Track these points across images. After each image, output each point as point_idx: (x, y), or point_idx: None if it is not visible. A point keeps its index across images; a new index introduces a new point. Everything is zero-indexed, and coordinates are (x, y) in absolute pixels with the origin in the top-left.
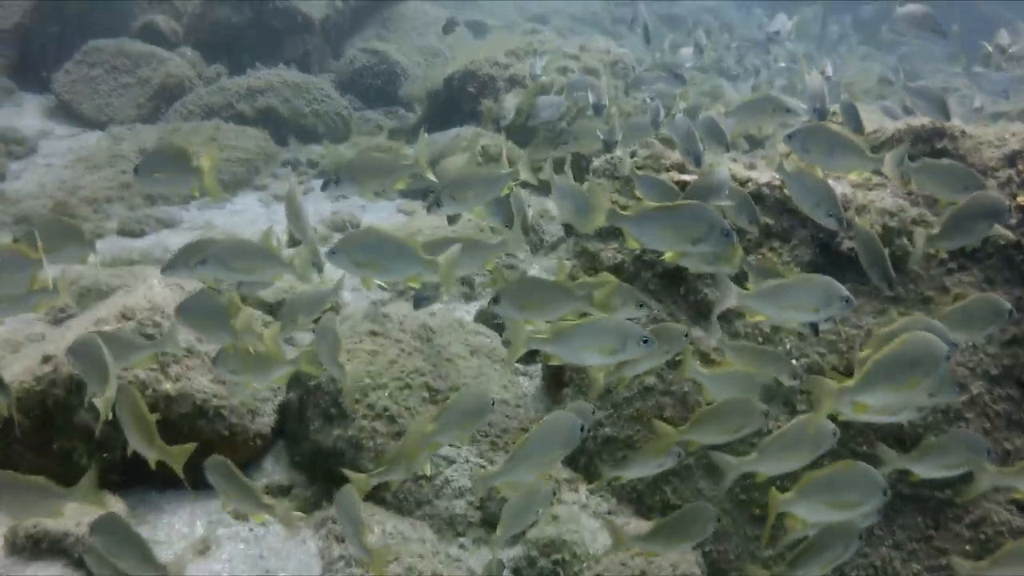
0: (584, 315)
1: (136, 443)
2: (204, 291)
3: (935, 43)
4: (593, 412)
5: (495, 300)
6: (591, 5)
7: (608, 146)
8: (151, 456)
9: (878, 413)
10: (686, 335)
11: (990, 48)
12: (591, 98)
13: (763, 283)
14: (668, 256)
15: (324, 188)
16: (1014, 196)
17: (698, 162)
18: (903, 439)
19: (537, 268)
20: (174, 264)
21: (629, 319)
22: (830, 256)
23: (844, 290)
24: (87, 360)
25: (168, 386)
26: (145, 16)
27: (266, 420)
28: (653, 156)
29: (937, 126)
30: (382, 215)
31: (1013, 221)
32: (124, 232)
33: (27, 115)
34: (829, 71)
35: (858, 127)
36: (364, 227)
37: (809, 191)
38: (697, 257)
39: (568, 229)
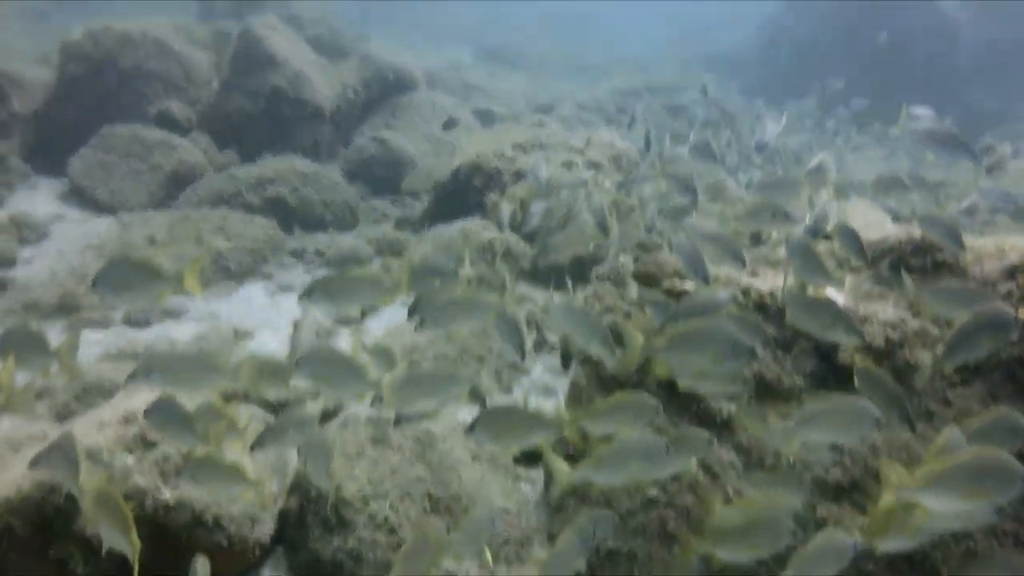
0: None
1: (110, 538)
2: (166, 398)
3: (960, 159)
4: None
5: (471, 428)
6: (596, 93)
7: (604, 251)
8: (127, 551)
9: (937, 519)
10: (710, 441)
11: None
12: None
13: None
14: (684, 384)
15: (300, 300)
16: (1015, 310)
17: (706, 281)
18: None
19: (541, 367)
20: (135, 376)
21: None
22: (832, 367)
23: (877, 411)
24: (58, 461)
25: (167, 494)
26: (161, 103)
27: (266, 528)
28: (656, 263)
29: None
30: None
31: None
32: (129, 322)
33: (41, 199)
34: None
35: (859, 250)
36: (320, 346)
37: (817, 314)
38: (715, 379)
39: (567, 354)
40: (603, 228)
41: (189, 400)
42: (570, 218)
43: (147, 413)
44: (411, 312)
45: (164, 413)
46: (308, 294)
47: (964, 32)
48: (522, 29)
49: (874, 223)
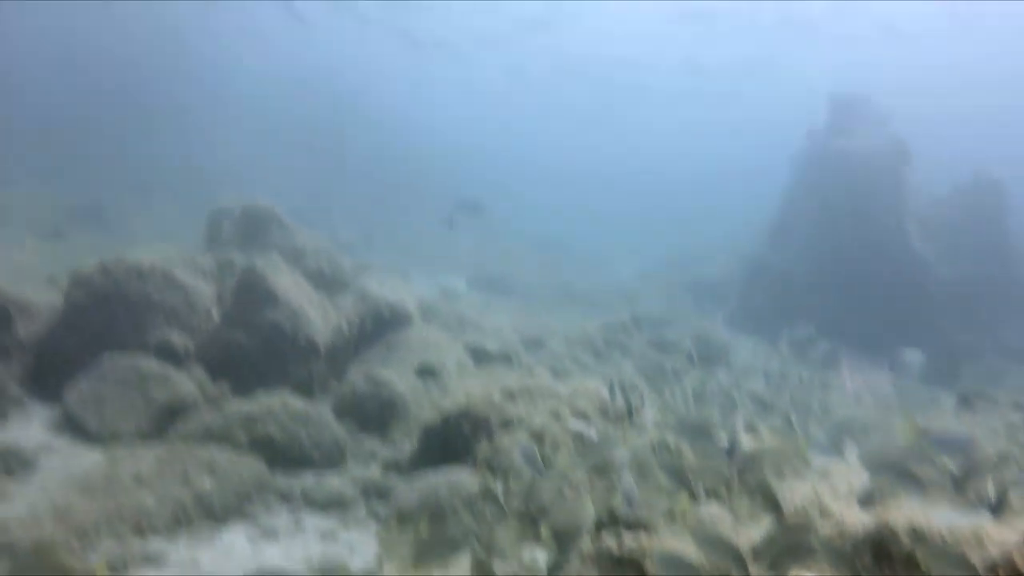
0: None
1: None
2: None
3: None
4: None
5: None
6: (586, 328)
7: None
8: None
9: None
10: None
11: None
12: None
13: None
14: None
15: None
16: None
17: None
18: None
19: None
20: None
21: None
22: None
23: None
24: None
25: None
26: (162, 333)
27: None
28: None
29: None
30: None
31: None
32: (108, 568)
33: (34, 427)
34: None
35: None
36: None
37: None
38: None
39: None
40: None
41: None
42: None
43: None
44: None
45: None
46: None
47: (934, 269)
48: (519, 258)
49: (844, 495)
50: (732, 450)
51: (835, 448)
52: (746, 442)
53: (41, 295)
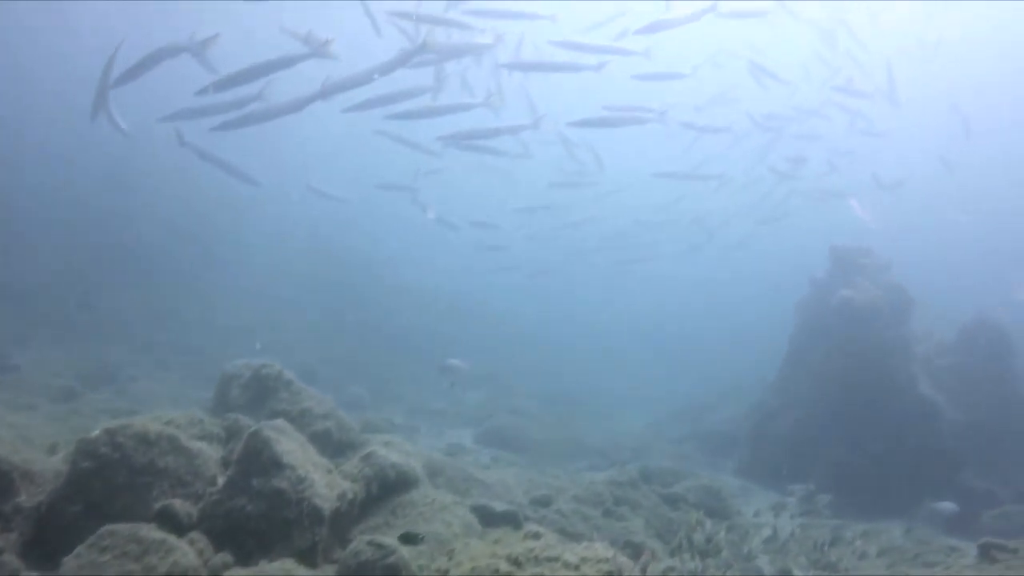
0: None
1: None
2: None
3: None
4: None
5: None
6: (595, 485)
7: None
8: None
9: None
10: None
11: None
12: None
13: None
14: None
15: None
16: None
17: None
18: None
19: None
20: None
21: None
22: None
23: None
24: None
25: None
26: (165, 498)
27: None
28: None
29: None
30: None
31: None
32: None
33: None
34: None
35: None
36: None
37: None
38: None
39: None
40: None
41: None
42: None
43: None
44: None
45: None
46: None
47: (945, 415)
48: (527, 413)
49: None
50: None
51: None
52: None
53: (46, 461)
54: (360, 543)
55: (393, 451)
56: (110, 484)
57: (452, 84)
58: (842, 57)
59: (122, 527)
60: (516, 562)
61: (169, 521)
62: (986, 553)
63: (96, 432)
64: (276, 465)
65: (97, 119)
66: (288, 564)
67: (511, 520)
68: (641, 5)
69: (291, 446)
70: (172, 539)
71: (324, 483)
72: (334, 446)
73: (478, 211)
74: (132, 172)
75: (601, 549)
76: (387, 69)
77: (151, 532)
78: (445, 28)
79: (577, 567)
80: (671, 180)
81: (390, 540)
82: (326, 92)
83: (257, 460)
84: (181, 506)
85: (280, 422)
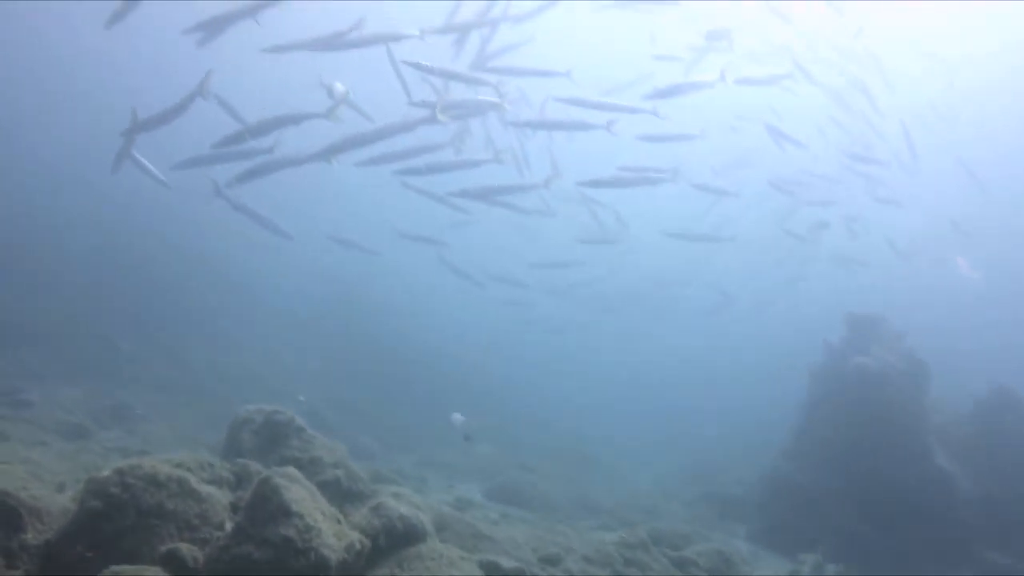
0: None
1: None
2: None
3: None
4: None
5: None
6: (604, 546)
7: None
8: None
9: None
10: None
11: None
12: None
13: None
14: None
15: None
16: None
17: None
18: None
19: None
20: None
21: None
22: None
23: None
24: None
25: None
26: (172, 542)
27: None
28: None
29: None
30: None
31: None
32: None
33: None
34: None
35: None
36: None
37: None
38: None
39: None
40: None
41: None
42: None
43: None
44: None
45: None
46: None
47: (961, 487)
48: (537, 470)
49: None
50: None
51: None
52: None
53: (55, 498)
54: None
55: (403, 503)
56: (118, 525)
57: (475, 139)
58: (857, 119)
59: (127, 569)
60: None
61: (175, 565)
62: None
63: (106, 472)
64: (285, 513)
65: (120, 169)
66: None
67: None
68: (666, 67)
69: (301, 494)
70: None
71: (332, 533)
72: (343, 495)
73: (501, 265)
74: (149, 216)
75: None
76: (401, 130)
77: (156, 574)
78: (469, 86)
79: None
80: (685, 240)
81: None
82: (343, 147)
83: (266, 507)
84: (188, 550)
85: (290, 469)
